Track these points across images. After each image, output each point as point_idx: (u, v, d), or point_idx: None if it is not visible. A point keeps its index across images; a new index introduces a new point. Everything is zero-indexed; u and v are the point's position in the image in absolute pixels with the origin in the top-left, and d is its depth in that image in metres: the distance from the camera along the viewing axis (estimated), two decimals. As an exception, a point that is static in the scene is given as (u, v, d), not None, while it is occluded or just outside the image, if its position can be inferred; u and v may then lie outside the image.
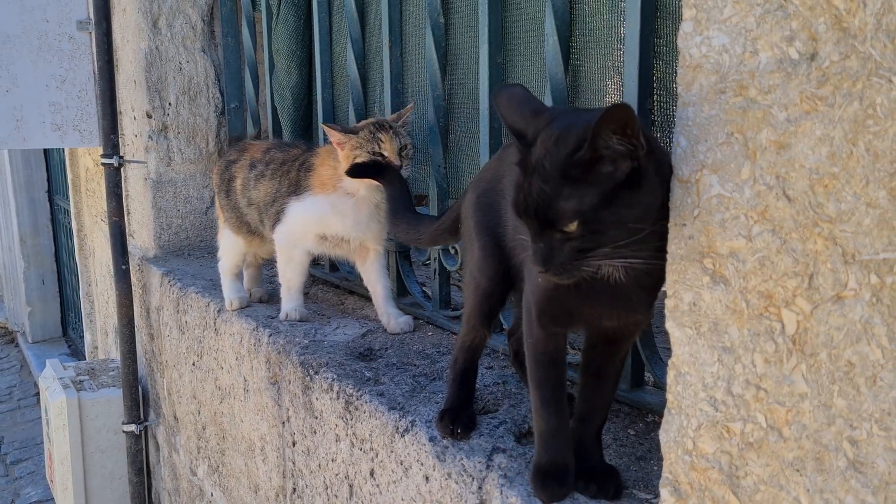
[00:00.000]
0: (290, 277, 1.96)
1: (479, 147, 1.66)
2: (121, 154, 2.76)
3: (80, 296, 4.35)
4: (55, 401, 2.92)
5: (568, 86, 1.47)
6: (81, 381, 3.09)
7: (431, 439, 1.30)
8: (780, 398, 0.80)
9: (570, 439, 1.10)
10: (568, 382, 1.34)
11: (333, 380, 1.58)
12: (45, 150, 5.93)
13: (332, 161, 1.82)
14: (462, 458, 1.24)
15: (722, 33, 0.81)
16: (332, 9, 2.25)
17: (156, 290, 2.71)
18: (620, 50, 1.37)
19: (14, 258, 6.22)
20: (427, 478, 1.30)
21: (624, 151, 0.87)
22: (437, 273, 1.87)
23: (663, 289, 0.93)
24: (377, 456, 1.44)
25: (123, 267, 2.77)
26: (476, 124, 1.76)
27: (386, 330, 1.87)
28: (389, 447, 1.40)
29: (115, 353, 3.42)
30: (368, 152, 1.73)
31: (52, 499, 3.60)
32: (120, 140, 2.81)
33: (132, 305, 2.82)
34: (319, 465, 1.66)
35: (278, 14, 2.39)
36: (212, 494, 2.38)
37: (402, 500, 1.38)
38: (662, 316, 0.97)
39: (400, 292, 2.01)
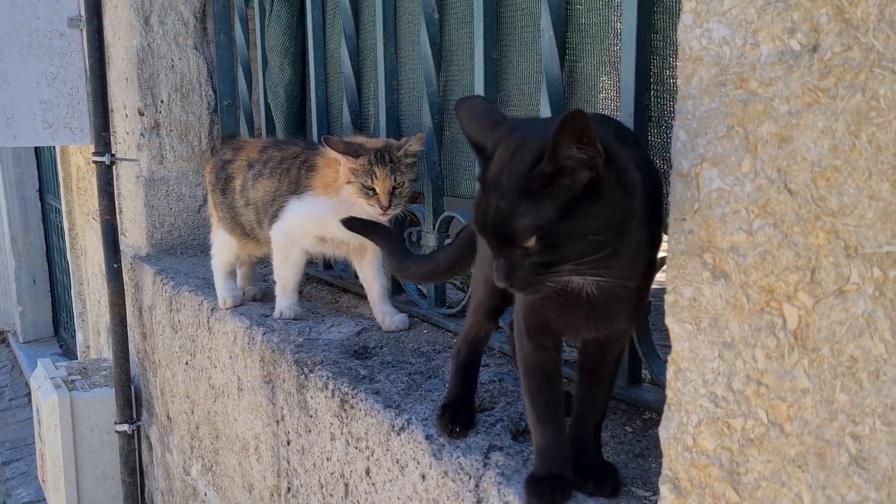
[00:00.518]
0: (286, 276, 1.95)
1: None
2: (112, 152, 2.74)
3: (72, 295, 4.33)
4: (47, 401, 2.90)
5: (564, 82, 1.47)
6: (73, 381, 3.06)
7: (428, 437, 1.29)
8: (782, 394, 0.79)
9: (568, 451, 1.09)
10: (566, 380, 1.33)
11: (328, 378, 1.57)
12: (36, 149, 5.90)
13: (336, 163, 1.80)
14: (459, 457, 1.23)
15: (722, 25, 0.80)
16: (326, 5, 2.24)
17: (148, 288, 2.69)
18: (617, 46, 1.36)
19: (5, 257, 6.18)
20: (423, 476, 1.29)
21: (584, 160, 0.85)
22: (432, 270, 1.86)
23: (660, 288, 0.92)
24: (373, 454, 1.43)
25: (115, 266, 2.75)
26: (471, 121, 1.75)
27: (381, 328, 1.86)
28: (385, 445, 1.39)
29: (108, 353, 3.40)
30: (362, 183, 1.70)
31: (44, 499, 3.58)
32: (112, 138, 2.79)
33: (124, 304, 2.80)
34: (314, 464, 1.65)
35: (271, 11, 2.38)
36: (205, 494, 2.36)
37: (399, 498, 1.37)
38: (660, 312, 0.96)
39: (395, 290, 2.00)
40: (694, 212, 0.85)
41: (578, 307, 0.98)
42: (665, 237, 1.00)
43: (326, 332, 1.85)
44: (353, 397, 1.49)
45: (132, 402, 2.89)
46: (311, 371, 1.63)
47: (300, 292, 2.11)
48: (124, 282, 2.81)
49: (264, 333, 1.86)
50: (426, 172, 1.84)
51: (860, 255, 0.71)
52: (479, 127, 0.96)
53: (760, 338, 0.80)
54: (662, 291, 0.94)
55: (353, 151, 1.69)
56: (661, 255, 1.03)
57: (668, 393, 0.91)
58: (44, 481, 3.16)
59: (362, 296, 2.09)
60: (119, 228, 2.84)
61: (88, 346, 4.10)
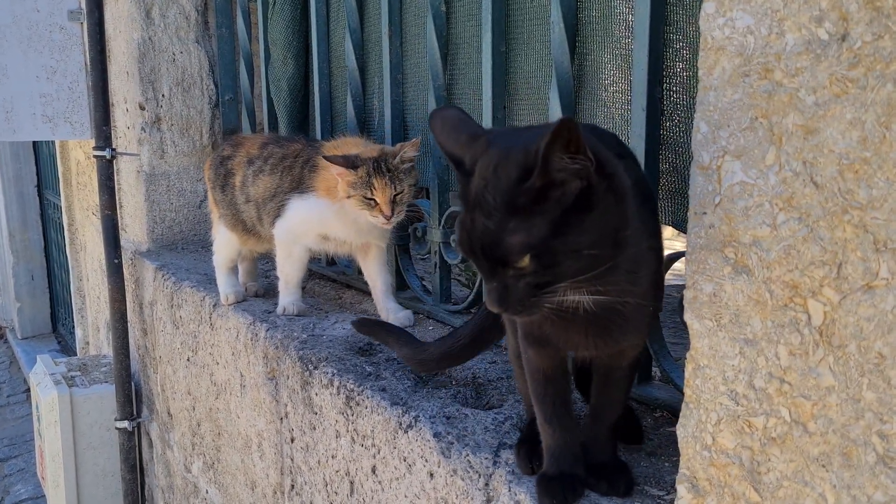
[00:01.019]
0: (289, 272, 1.93)
1: (482, 138, 1.63)
2: (113, 146, 2.72)
3: (71, 291, 4.30)
4: (47, 397, 2.88)
5: (574, 75, 1.45)
6: (73, 378, 3.04)
7: (436, 435, 1.27)
8: (806, 391, 0.77)
9: (578, 450, 1.08)
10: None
11: (333, 375, 1.55)
12: (35, 144, 5.87)
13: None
14: (468, 455, 1.21)
15: (746, 14, 0.78)
16: (330, -2, 2.22)
17: (149, 284, 2.67)
18: (629, 38, 1.34)
19: (3, 253, 6.15)
20: (431, 474, 1.28)
21: (577, 170, 0.80)
22: (437, 267, 1.84)
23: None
24: (379, 452, 1.42)
25: (116, 261, 2.73)
26: (478, 115, 1.73)
27: (386, 324, 1.84)
28: (392, 443, 1.37)
29: (107, 349, 3.38)
30: (362, 195, 1.68)
31: (43, 496, 3.56)
32: (112, 132, 2.76)
33: (125, 300, 2.78)
34: (319, 462, 1.63)
35: (274, 3, 2.36)
36: (207, 491, 2.34)
37: (406, 497, 1.35)
38: (669, 309, 0.94)
39: (399, 286, 1.98)
40: (715, 205, 0.83)
41: (577, 324, 0.95)
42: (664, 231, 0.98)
43: (330, 329, 1.83)
44: (358, 394, 1.47)
45: (132, 398, 2.87)
46: (315, 368, 1.61)
47: (303, 288, 2.09)
48: (125, 277, 2.78)
49: (267, 330, 1.84)
50: (431, 167, 1.82)
51: (889, 249, 0.69)
52: (456, 140, 0.90)
53: (784, 334, 0.78)
54: (671, 287, 0.92)
55: (351, 163, 1.67)
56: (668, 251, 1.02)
57: (687, 391, 0.89)
58: (43, 478, 3.14)
59: (366, 292, 2.07)
60: (119, 224, 2.81)
61: (88, 343, 4.08)
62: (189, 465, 2.47)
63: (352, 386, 1.49)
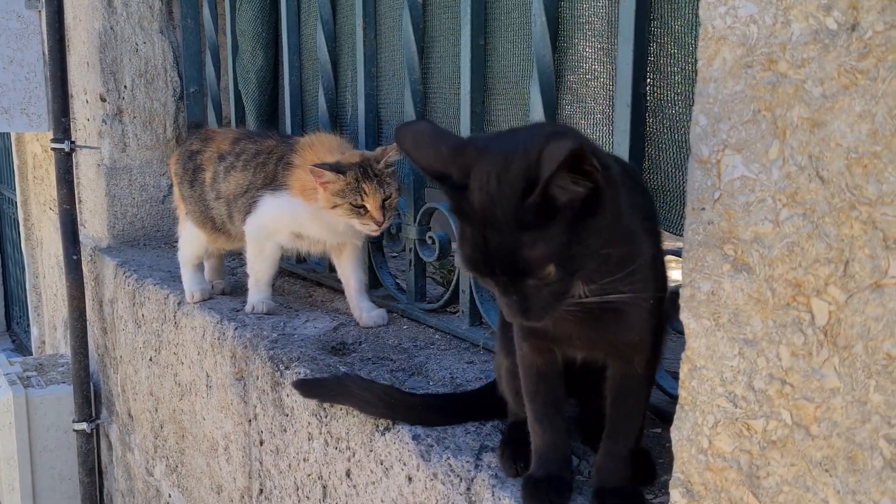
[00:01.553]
0: (260, 270, 1.87)
1: (460, 132, 1.59)
2: (72, 139, 2.62)
3: (27, 288, 4.16)
4: (1, 398, 2.77)
5: (555, 69, 1.41)
6: (29, 378, 2.94)
7: (415, 437, 1.23)
8: (809, 393, 0.75)
9: (568, 453, 1.04)
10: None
11: (306, 375, 1.50)
12: (-11, 137, 5.68)
13: (311, 160, 1.71)
14: (449, 458, 1.17)
15: (750, 2, 0.75)
16: (301, -11, 2.16)
17: (109, 281, 2.58)
18: (613, 33, 1.32)
19: (-46, 249, 5.95)
20: (410, 478, 1.24)
21: (582, 187, 0.79)
22: (412, 265, 1.80)
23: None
24: (354, 455, 1.37)
25: (74, 257, 2.64)
26: (455, 110, 1.69)
27: (358, 323, 1.79)
28: (368, 446, 1.33)
29: (65, 348, 3.27)
30: (350, 203, 1.62)
31: (-4, 501, 3.44)
32: (71, 124, 2.67)
33: (84, 298, 2.68)
34: (290, 465, 1.58)
35: (243, -6, 2.29)
36: (170, 495, 2.27)
37: (382, 501, 1.30)
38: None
39: (372, 284, 1.94)
40: (714, 201, 0.80)
41: (575, 320, 0.90)
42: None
43: (302, 328, 1.78)
44: (333, 396, 1.42)
45: (91, 399, 2.78)
46: (287, 368, 1.56)
47: (272, 286, 2.03)
48: (84, 274, 2.69)
49: (236, 328, 1.78)
50: (407, 163, 1.77)
51: (900, 246, 0.67)
52: (435, 154, 0.84)
53: (786, 334, 0.76)
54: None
55: (339, 169, 1.61)
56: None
57: (682, 392, 0.86)
58: (-4, 482, 3.03)
59: (337, 290, 2.02)
60: (78, 219, 2.72)
61: (44, 342, 3.95)
62: (151, 469, 2.40)
63: (325, 387, 1.44)
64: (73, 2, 2.74)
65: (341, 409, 1.39)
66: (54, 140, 2.60)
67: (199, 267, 2.09)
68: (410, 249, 1.79)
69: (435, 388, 1.42)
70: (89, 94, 2.73)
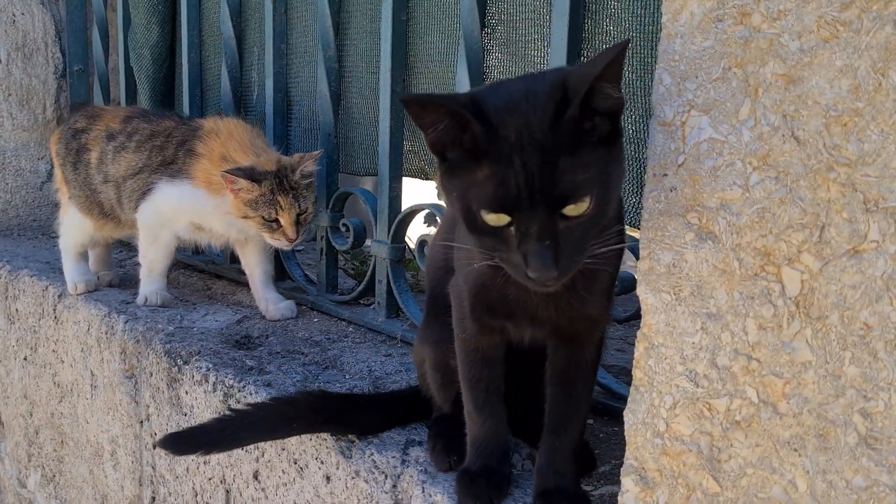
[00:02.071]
0: (154, 259, 1.71)
1: (379, 115, 1.50)
2: (-64, 116, 2.36)
3: None
4: None
5: (484, 46, 1.35)
6: None
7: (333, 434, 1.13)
8: (777, 369, 0.70)
9: (507, 445, 0.97)
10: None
11: (209, 369, 1.37)
12: None
13: (220, 158, 1.57)
14: (373, 454, 1.08)
15: (722, -48, 0.71)
16: (203, -40, 2.02)
17: (-22, 274, 2.33)
18: (547, 7, 1.27)
19: None
20: (328, 477, 1.13)
21: (617, 101, 0.74)
22: (323, 254, 1.69)
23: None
24: (263, 455, 1.25)
25: (-63, 247, 2.37)
26: (373, 89, 1.60)
27: (265, 316, 1.67)
28: (280, 444, 1.21)
29: (-78, 351, 2.94)
30: (263, 216, 1.51)
31: None
32: (-65, 99, 2.41)
33: (-53, 293, 2.41)
34: (188, 469, 1.44)
35: (137, -37, 2.12)
36: (45, 509, 2.06)
37: (295, 504, 1.20)
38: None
39: (279, 276, 1.82)
40: (678, 166, 0.75)
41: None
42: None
43: (201, 321, 1.64)
44: (239, 391, 1.30)
45: (-47, 405, 2.50)
46: (185, 363, 1.42)
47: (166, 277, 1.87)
48: (-53, 267, 2.42)
49: (126, 322, 1.62)
50: (320, 145, 1.67)
51: (881, 209, 0.63)
52: (447, 105, 0.76)
53: (753, 307, 0.71)
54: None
55: (253, 177, 1.49)
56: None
57: (636, 373, 0.81)
58: None
59: (239, 282, 1.88)
60: (-58, 205, 2.45)
61: None
62: (24, 480, 2.17)
63: (231, 381, 1.32)
64: (-60, -35, 2.48)
65: (250, 406, 1.27)
66: (-86, 116, 2.33)
67: (84, 256, 1.90)
68: (322, 238, 1.68)
69: (352, 381, 1.32)
70: (-43, 68, 2.47)
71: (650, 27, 1.12)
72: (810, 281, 0.68)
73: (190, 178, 1.60)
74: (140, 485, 1.60)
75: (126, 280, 1.98)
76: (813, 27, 0.66)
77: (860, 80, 0.63)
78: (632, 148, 1.18)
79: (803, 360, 0.69)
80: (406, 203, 1.53)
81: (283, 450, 1.21)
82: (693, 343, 0.76)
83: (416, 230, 1.70)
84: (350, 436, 1.11)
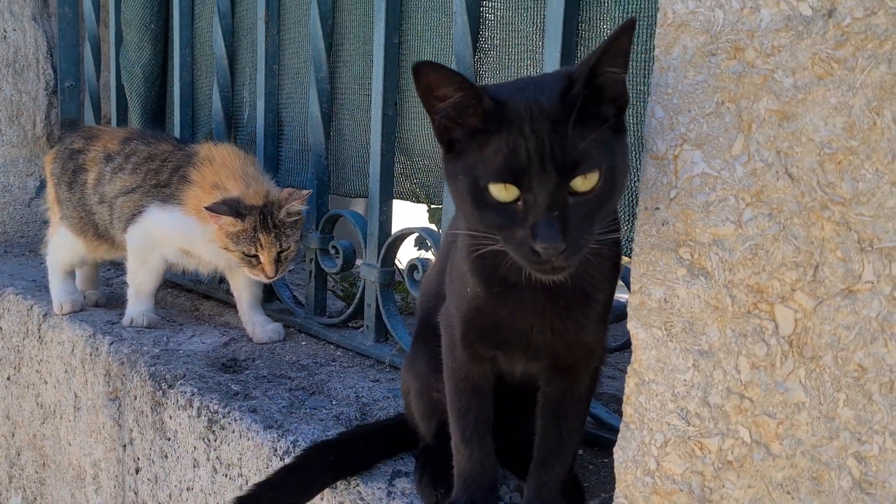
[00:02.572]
0: (142, 281, 1.69)
1: (371, 136, 1.49)
2: (-76, 130, 2.34)
3: None
4: None
5: (476, 71, 1.34)
6: None
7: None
8: (770, 409, 0.69)
9: (495, 478, 0.95)
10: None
11: (193, 394, 1.34)
12: None
13: (211, 186, 1.56)
14: (358, 485, 1.06)
15: (716, -14, 0.70)
16: (196, -21, 2.01)
17: (-38, 291, 2.30)
18: (539, 34, 1.26)
19: None
20: (313, 508, 1.11)
21: (622, 87, 0.74)
22: (312, 276, 1.68)
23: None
24: (248, 483, 1.23)
25: (-79, 263, 2.34)
26: (364, 112, 1.59)
27: (252, 339, 1.65)
28: (265, 472, 1.19)
29: None
30: (243, 252, 1.52)
31: None
32: (-76, 114, 2.39)
33: (-69, 309, 2.38)
34: (170, 496, 1.41)
35: (130, -19, 2.11)
36: (25, 532, 2.02)
37: (279, 535, 1.17)
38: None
39: (267, 297, 1.79)
40: (670, 200, 0.74)
41: (534, 305, 0.83)
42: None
43: (187, 343, 1.62)
44: (224, 416, 1.28)
45: (-65, 424, 2.46)
46: (170, 386, 1.40)
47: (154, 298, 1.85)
48: (-68, 283, 2.39)
49: (111, 343, 1.59)
50: (311, 167, 1.66)
51: (876, 249, 0.62)
52: (461, 79, 0.76)
53: (746, 344, 0.70)
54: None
55: (236, 212, 1.49)
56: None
57: (627, 409, 0.79)
58: None
59: (227, 303, 1.86)
60: (-72, 220, 2.43)
61: None
62: (4, 502, 2.13)
63: (216, 407, 1.30)
64: (-68, -20, 2.46)
65: (234, 432, 1.25)
66: None
67: (71, 274, 1.88)
68: (311, 259, 1.66)
69: (339, 408, 1.30)
70: (-54, 83, 2.45)
71: (643, 55, 1.12)
72: (804, 320, 0.67)
73: (181, 204, 1.59)
74: (122, 510, 1.57)
75: (113, 299, 1.95)
76: (807, 64, 0.65)
77: (854, 119, 0.63)
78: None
79: (797, 401, 0.67)
80: (396, 226, 1.52)
81: (268, 478, 1.18)
82: (685, 380, 0.74)
83: (407, 254, 1.68)
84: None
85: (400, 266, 1.62)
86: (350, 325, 1.65)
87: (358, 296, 1.56)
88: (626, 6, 1.15)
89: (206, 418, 1.30)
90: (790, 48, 0.66)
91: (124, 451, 1.54)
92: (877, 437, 0.63)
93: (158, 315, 1.75)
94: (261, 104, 1.78)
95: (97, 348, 1.62)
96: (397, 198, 1.53)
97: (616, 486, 0.81)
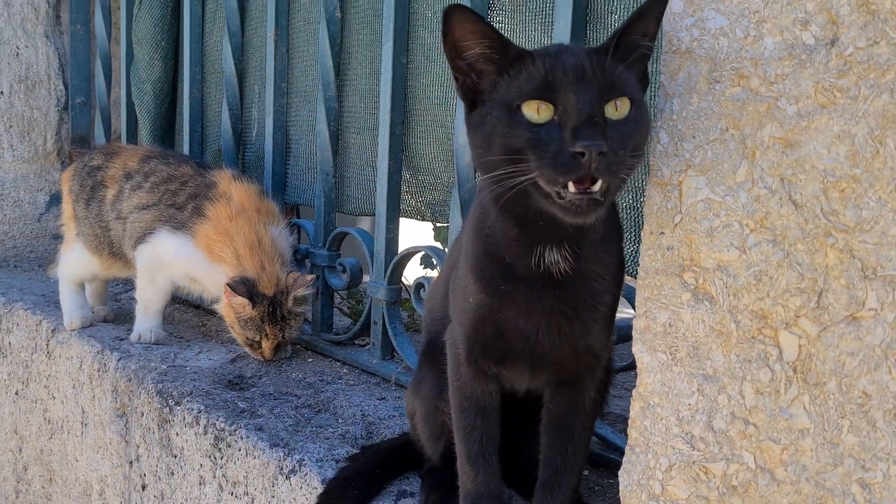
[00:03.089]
0: (150, 299, 1.71)
1: (378, 155, 1.50)
2: (-64, 146, 2.36)
3: None
4: None
5: (483, 91, 1.35)
6: None
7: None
8: (775, 434, 0.69)
9: (501, 499, 0.95)
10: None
11: (200, 411, 1.35)
12: None
13: (225, 223, 1.59)
14: (364, 505, 1.06)
15: (719, 14, 0.71)
16: (207, -3, 2.03)
17: (-28, 305, 2.32)
18: (545, 54, 1.27)
19: None
20: (318, 528, 1.11)
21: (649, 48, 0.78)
22: (319, 293, 1.68)
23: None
24: (253, 501, 1.23)
25: (-68, 278, 2.36)
26: (372, 131, 1.60)
27: (258, 356, 1.65)
28: (270, 491, 1.19)
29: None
30: (248, 337, 1.57)
31: None
32: (-64, 130, 2.41)
33: (-60, 323, 2.40)
34: (176, 513, 1.41)
35: (142, 0, 2.14)
36: (31, 547, 2.02)
37: (284, 553, 1.17)
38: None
39: (274, 314, 1.80)
40: (675, 225, 0.75)
41: (541, 305, 0.82)
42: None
43: (194, 359, 1.63)
44: (230, 434, 1.28)
45: (-57, 437, 2.47)
46: (177, 403, 1.41)
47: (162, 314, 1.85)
48: (-58, 297, 2.41)
49: (119, 359, 1.60)
50: (319, 184, 1.67)
51: (880, 276, 0.63)
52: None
53: (750, 370, 0.70)
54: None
55: (254, 298, 1.53)
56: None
57: (632, 432, 0.80)
58: None
59: (234, 319, 1.87)
60: (-61, 235, 2.45)
61: None
62: (11, 516, 2.14)
63: (222, 424, 1.30)
64: (-54, -3, 2.50)
65: (240, 450, 1.25)
66: (-85, 146, 2.33)
67: (82, 289, 1.89)
68: (318, 276, 1.67)
69: (345, 426, 1.31)
70: (-41, 99, 2.48)
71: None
72: (808, 346, 0.67)
73: (192, 235, 1.61)
74: (128, 526, 1.57)
75: (121, 314, 1.96)
76: (810, 92, 0.66)
77: (858, 147, 0.63)
78: (630, 196, 1.18)
79: (801, 427, 0.68)
80: (403, 244, 1.52)
81: (273, 497, 1.19)
82: (689, 405, 0.75)
83: (414, 272, 1.69)
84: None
85: (406, 283, 1.62)
86: (356, 342, 1.66)
87: (364, 313, 1.57)
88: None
89: (213, 436, 1.31)
90: (793, 76, 0.66)
91: (131, 467, 1.54)
92: (881, 464, 0.63)
93: (166, 331, 1.76)
94: (269, 121, 1.79)
95: (105, 364, 1.62)
96: (404, 216, 1.54)
97: (621, 509, 0.81)
